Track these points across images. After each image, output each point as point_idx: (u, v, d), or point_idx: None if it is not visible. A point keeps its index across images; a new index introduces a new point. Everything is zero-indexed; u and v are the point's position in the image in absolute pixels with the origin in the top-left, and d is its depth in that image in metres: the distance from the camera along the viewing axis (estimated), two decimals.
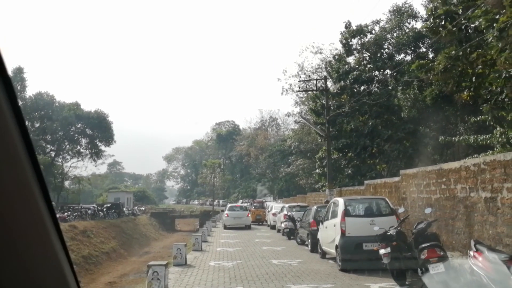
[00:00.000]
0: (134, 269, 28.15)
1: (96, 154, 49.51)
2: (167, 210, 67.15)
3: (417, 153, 23.06)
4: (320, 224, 13.46)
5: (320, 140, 30.66)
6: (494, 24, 11.29)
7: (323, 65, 36.20)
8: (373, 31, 27.59)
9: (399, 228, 8.65)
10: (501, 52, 11.10)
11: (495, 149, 14.30)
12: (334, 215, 11.66)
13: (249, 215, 29.92)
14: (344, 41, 27.20)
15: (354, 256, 10.34)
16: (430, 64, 16.72)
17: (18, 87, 41.62)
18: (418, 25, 27.22)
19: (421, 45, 26.98)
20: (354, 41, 27.38)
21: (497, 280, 5.49)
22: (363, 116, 25.63)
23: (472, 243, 6.39)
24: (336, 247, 10.97)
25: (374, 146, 24.38)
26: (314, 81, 27.70)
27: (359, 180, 23.17)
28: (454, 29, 14.15)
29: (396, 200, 12.99)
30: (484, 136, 14.83)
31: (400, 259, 7.97)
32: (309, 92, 32.04)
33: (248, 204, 38.11)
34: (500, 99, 12.31)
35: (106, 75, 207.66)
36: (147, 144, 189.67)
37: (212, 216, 42.96)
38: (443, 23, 14.59)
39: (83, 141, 49.11)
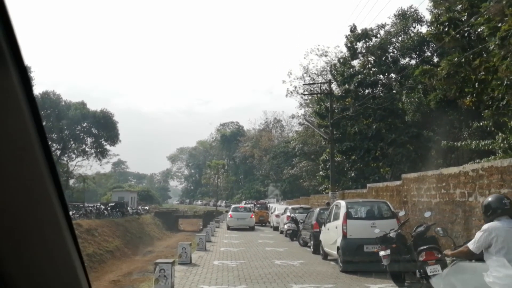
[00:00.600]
0: (138, 268, 28.42)
1: (101, 153, 49.90)
2: (170, 210, 67.41)
3: (420, 157, 23.20)
4: (323, 226, 13.70)
5: (324, 143, 30.88)
6: (497, 32, 11.48)
7: (328, 68, 36.41)
8: (378, 35, 27.78)
9: (399, 231, 8.87)
10: (503, 60, 11.30)
11: (497, 154, 14.47)
12: (336, 217, 11.90)
13: (253, 216, 30.01)
14: (349, 45, 27.39)
15: (355, 257, 10.59)
16: (433, 70, 16.90)
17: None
18: (423, 29, 27.39)
19: (426, 50, 27.12)
20: (359, 45, 27.58)
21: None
22: (367, 120, 25.81)
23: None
24: (338, 248, 11.21)
25: (377, 150, 24.55)
26: (319, 84, 27.93)
27: (362, 183, 23.31)
28: (457, 36, 14.35)
29: (397, 203, 13.20)
30: (486, 142, 15.00)
31: (399, 261, 8.19)
32: (314, 95, 32.26)
33: (251, 205, 38.31)
34: (501, 105, 12.50)
35: (110, 72, 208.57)
36: (151, 143, 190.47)
37: (216, 217, 43.20)
38: (446, 29, 14.80)
39: (89, 140, 49.49)
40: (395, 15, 29.05)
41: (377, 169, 25.25)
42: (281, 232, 24.79)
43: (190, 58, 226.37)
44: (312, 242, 15.78)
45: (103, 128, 48.23)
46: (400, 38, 28.36)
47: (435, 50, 25.33)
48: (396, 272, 8.44)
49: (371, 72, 26.87)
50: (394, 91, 25.99)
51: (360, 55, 28.06)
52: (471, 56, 13.86)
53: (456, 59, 14.11)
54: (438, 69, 15.93)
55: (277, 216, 27.84)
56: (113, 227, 36.95)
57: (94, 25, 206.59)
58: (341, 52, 33.85)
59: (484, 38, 13.20)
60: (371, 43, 27.37)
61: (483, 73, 13.84)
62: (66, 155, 49.98)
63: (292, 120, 59.46)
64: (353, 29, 27.11)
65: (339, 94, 27.33)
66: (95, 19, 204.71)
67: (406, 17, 28.36)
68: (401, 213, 10.35)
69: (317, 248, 14.59)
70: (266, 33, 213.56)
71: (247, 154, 72.01)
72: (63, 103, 47.18)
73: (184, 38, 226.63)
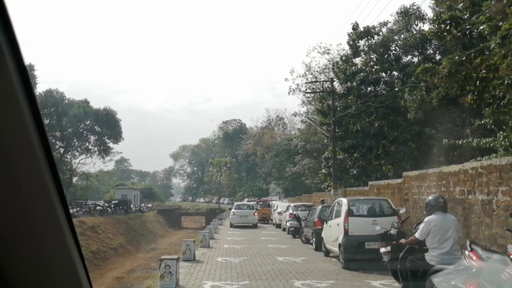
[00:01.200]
0: (141, 265, 28.60)
1: (105, 151, 50.16)
2: (173, 207, 67.62)
3: (422, 154, 23.26)
4: (325, 223, 13.84)
5: (326, 141, 30.95)
6: (498, 31, 11.57)
7: (330, 66, 36.47)
8: (381, 33, 27.83)
9: (400, 227, 8.99)
10: (504, 59, 11.39)
11: (498, 152, 14.56)
12: (338, 215, 12.04)
13: (256, 213, 30.07)
14: (351, 43, 27.45)
15: (356, 254, 10.72)
16: (435, 68, 16.98)
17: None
18: (426, 27, 27.39)
19: (428, 47, 27.15)
20: (362, 43, 27.64)
21: (489, 277, 5.84)
22: (369, 117, 25.89)
23: (467, 243, 6.75)
24: (339, 245, 11.35)
25: (379, 147, 24.64)
26: (321, 82, 28.03)
27: (364, 180, 23.40)
28: (458, 34, 14.43)
29: (398, 201, 13.33)
30: (487, 140, 15.09)
31: (399, 257, 8.32)
32: (316, 93, 32.33)
33: (254, 202, 38.43)
34: (502, 103, 12.60)
35: (111, 70, 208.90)
36: (154, 141, 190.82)
37: (219, 214, 43.35)
38: (448, 28, 14.88)
39: (92, 138, 49.77)
40: (397, 13, 29.05)
41: (379, 167, 25.33)
42: (284, 230, 24.94)
43: (192, 55, 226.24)
44: (314, 239, 15.92)
45: (106, 126, 48.47)
46: (402, 36, 28.38)
47: (437, 48, 25.35)
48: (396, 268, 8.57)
49: (373, 70, 26.94)
50: (396, 89, 26.06)
51: (362, 53, 28.12)
52: (472, 54, 13.94)
53: (457, 57, 14.19)
54: (440, 67, 16.01)
55: (280, 213, 27.97)
56: (116, 225, 37.19)
57: (96, 22, 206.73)
58: (344, 49, 33.89)
59: (485, 36, 13.28)
60: (373, 41, 27.43)
61: (484, 71, 13.92)
62: (69, 153, 50.28)
63: (294, 118, 59.62)
64: (355, 27, 27.18)
65: (341, 92, 27.42)
66: (97, 16, 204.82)
67: (409, 15, 28.36)
68: (402, 211, 10.48)
69: (319, 245, 14.74)
70: (267, 30, 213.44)
71: (249, 152, 72.15)
72: (66, 101, 47.40)
73: (185, 35, 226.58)
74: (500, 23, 11.54)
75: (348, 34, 27.42)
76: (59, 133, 47.83)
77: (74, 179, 53.41)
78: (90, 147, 49.92)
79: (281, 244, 17.85)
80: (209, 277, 9.82)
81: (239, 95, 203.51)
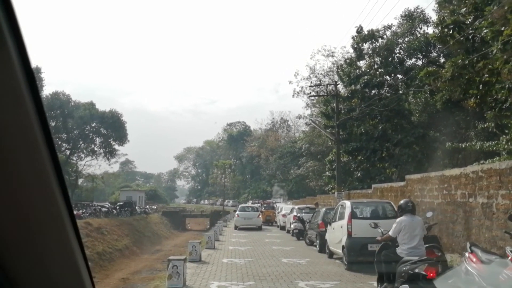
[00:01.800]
0: (146, 266, 28.82)
1: (110, 153, 50.48)
2: (178, 209, 67.79)
3: (426, 157, 23.32)
4: (328, 225, 14.01)
5: (330, 143, 31.09)
6: (500, 37, 11.71)
7: (335, 69, 36.62)
8: (385, 36, 27.94)
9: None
10: (505, 64, 11.53)
11: (502, 155, 14.67)
12: (341, 217, 12.22)
13: (260, 216, 30.05)
14: (355, 46, 27.58)
15: (359, 256, 10.88)
16: (438, 72, 17.11)
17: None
18: (430, 30, 27.49)
19: (432, 50, 27.23)
20: (366, 46, 27.75)
21: (487, 278, 6.02)
22: (373, 120, 26.00)
23: (468, 245, 6.94)
24: (343, 247, 11.53)
25: (383, 150, 24.73)
26: (325, 86, 28.19)
27: (368, 183, 23.46)
28: (461, 38, 14.57)
29: None
30: (490, 143, 15.20)
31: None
32: (320, 96, 32.46)
33: (258, 205, 38.51)
34: (504, 107, 12.73)
35: (116, 72, 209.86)
36: (158, 143, 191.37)
37: (223, 216, 43.50)
38: (451, 32, 15.02)
39: (98, 140, 50.08)
40: (401, 16, 29.18)
41: (383, 170, 25.42)
42: (288, 232, 25.07)
43: (196, 57, 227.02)
44: (318, 241, 16.09)
45: (112, 128, 48.79)
46: (406, 39, 28.49)
47: (441, 51, 25.42)
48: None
49: (377, 73, 27.02)
50: (400, 92, 26.16)
51: (366, 56, 28.22)
52: (475, 58, 14.08)
53: (460, 61, 14.34)
54: (443, 71, 16.15)
55: (284, 215, 28.07)
56: (121, 226, 37.44)
57: (101, 24, 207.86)
58: (348, 52, 34.07)
59: (487, 41, 13.42)
60: (378, 44, 27.54)
61: (487, 75, 14.05)
62: (75, 155, 50.65)
63: (298, 120, 59.68)
64: (359, 30, 27.30)
65: (346, 94, 27.54)
66: (102, 18, 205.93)
67: (413, 18, 28.47)
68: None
69: (323, 247, 14.90)
70: (272, 32, 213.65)
71: (253, 154, 72.29)
72: (72, 104, 47.79)
73: (190, 37, 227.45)
74: (502, 28, 11.69)
75: (353, 37, 27.57)
76: (65, 135, 48.22)
77: (80, 181, 53.77)
78: (95, 149, 50.30)
79: (285, 246, 18.01)
80: (215, 277, 10.04)
81: (243, 97, 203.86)
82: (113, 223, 36.26)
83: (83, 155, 51.00)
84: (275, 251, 16.13)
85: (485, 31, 13.02)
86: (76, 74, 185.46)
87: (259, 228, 28.59)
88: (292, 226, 23.06)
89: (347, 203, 12.16)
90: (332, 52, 39.21)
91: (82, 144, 49.99)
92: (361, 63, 28.72)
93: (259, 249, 16.63)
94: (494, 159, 14.25)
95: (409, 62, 27.86)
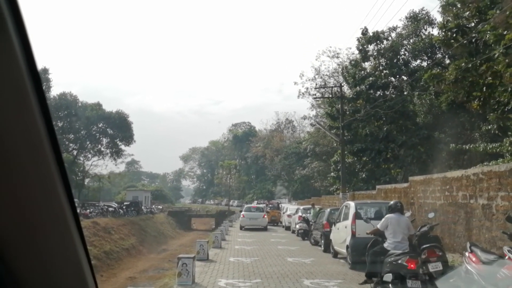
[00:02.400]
0: (153, 266, 29.12)
1: (117, 153, 50.94)
2: (183, 209, 68.18)
3: (431, 158, 23.40)
4: (333, 225, 14.26)
5: (335, 144, 31.23)
6: (502, 40, 11.90)
7: (340, 70, 36.74)
8: (390, 38, 28.05)
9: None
10: (508, 67, 11.73)
11: (505, 157, 14.82)
12: (345, 218, 12.46)
13: (265, 216, 30.11)
14: (360, 47, 27.71)
15: (363, 255, 11.08)
16: (442, 75, 17.28)
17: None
18: (435, 31, 27.54)
19: (438, 52, 27.25)
20: (371, 47, 27.87)
21: (486, 277, 6.25)
22: (378, 121, 26.10)
23: (468, 245, 7.16)
24: (347, 247, 11.78)
25: (388, 151, 24.83)
26: (330, 88, 28.37)
27: (373, 184, 23.54)
28: (465, 42, 14.76)
29: (404, 204, 13.65)
30: (494, 145, 15.35)
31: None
32: (325, 98, 32.61)
33: (264, 205, 38.70)
34: (506, 109, 12.91)
35: (122, 72, 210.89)
36: (164, 143, 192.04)
37: (228, 216, 43.73)
38: (454, 35, 15.21)
39: (104, 140, 50.57)
40: (406, 18, 29.21)
41: (388, 171, 25.53)
42: (293, 232, 25.28)
43: (202, 57, 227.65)
44: (322, 241, 16.33)
45: (118, 128, 49.22)
46: (411, 40, 28.55)
47: (446, 53, 25.50)
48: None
49: (382, 74, 27.11)
50: (405, 93, 26.27)
51: (371, 58, 28.35)
52: (478, 61, 14.26)
53: (463, 64, 14.52)
54: (446, 73, 16.32)
55: (289, 216, 28.26)
56: (128, 226, 37.78)
57: (107, 25, 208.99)
58: (353, 54, 34.13)
59: (490, 44, 13.60)
60: (383, 46, 27.67)
61: (490, 78, 14.23)
62: (82, 155, 51.20)
63: (303, 121, 59.77)
64: (364, 32, 27.45)
65: (351, 96, 27.70)
66: (108, 19, 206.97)
67: (418, 20, 28.55)
68: (408, 214, 10.83)
69: (328, 246, 15.17)
70: (277, 33, 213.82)
71: (258, 154, 72.47)
72: (79, 104, 48.30)
73: (195, 38, 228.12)
74: (505, 32, 11.88)
75: (358, 39, 27.69)
76: (72, 135, 48.74)
77: (87, 181, 54.29)
78: (102, 149, 50.80)
79: (290, 246, 18.25)
80: (223, 275, 10.33)
81: (248, 97, 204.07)
82: (120, 222, 36.62)
83: (90, 155, 51.56)
84: (281, 250, 16.38)
85: (488, 34, 13.20)
86: (83, 75, 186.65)
87: (264, 229, 28.68)
88: (297, 226, 23.27)
89: (352, 204, 12.40)
90: (337, 53, 39.27)
91: (89, 144, 50.52)
92: (366, 65, 28.86)
93: (264, 249, 16.88)
94: (498, 160, 14.41)
95: (414, 63, 27.91)
